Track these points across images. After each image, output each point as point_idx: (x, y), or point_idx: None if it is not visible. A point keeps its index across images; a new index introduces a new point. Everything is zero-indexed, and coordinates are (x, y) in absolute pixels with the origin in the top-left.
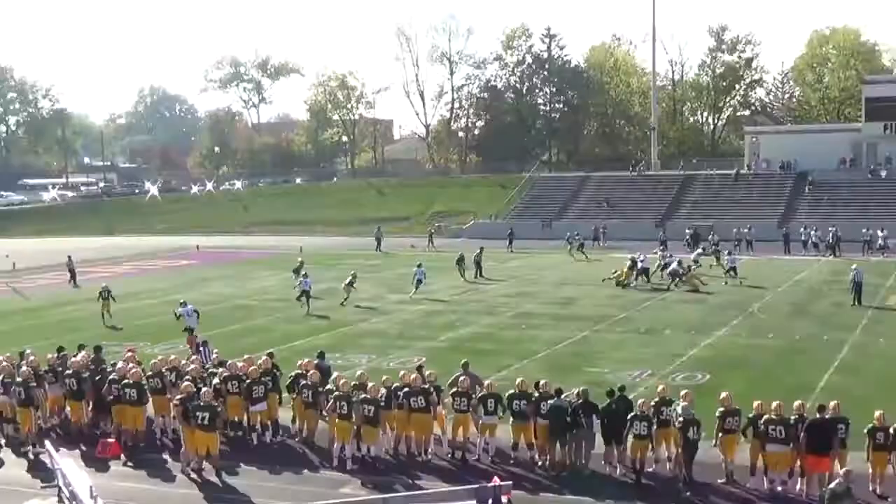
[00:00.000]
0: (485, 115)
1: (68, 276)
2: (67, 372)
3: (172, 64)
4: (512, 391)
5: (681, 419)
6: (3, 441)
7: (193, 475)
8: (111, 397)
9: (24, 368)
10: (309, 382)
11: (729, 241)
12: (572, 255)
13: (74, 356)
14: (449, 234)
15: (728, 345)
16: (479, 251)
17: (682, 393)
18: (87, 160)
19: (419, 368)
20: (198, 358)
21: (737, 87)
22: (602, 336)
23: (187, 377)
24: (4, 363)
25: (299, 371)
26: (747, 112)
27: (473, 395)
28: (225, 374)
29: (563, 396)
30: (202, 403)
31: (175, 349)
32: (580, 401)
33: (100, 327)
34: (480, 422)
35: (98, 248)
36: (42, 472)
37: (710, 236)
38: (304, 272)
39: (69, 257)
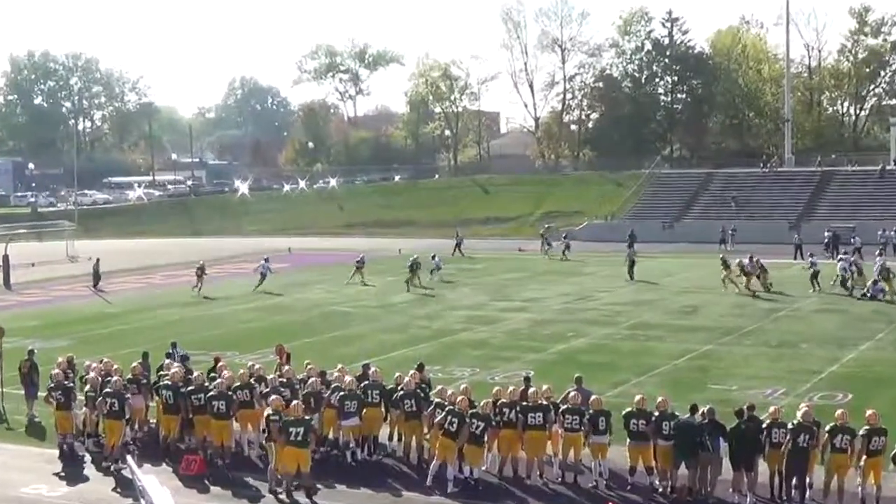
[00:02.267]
0: (599, 107)
1: (92, 281)
2: (165, 382)
3: (264, 54)
4: (629, 409)
5: (794, 422)
6: (88, 456)
7: (283, 496)
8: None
9: (115, 378)
10: (406, 391)
11: (873, 244)
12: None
13: (163, 369)
14: (562, 237)
15: (873, 360)
16: (629, 250)
17: (803, 405)
18: (174, 156)
19: (526, 380)
20: (290, 369)
21: (882, 73)
22: (729, 350)
23: (282, 390)
24: (92, 374)
25: (400, 385)
26: (894, 101)
27: (586, 413)
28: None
29: (691, 415)
30: (294, 418)
31: (264, 360)
32: (705, 420)
33: (180, 335)
34: (591, 442)
35: (181, 249)
36: (130, 489)
37: (852, 239)
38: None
39: (96, 260)
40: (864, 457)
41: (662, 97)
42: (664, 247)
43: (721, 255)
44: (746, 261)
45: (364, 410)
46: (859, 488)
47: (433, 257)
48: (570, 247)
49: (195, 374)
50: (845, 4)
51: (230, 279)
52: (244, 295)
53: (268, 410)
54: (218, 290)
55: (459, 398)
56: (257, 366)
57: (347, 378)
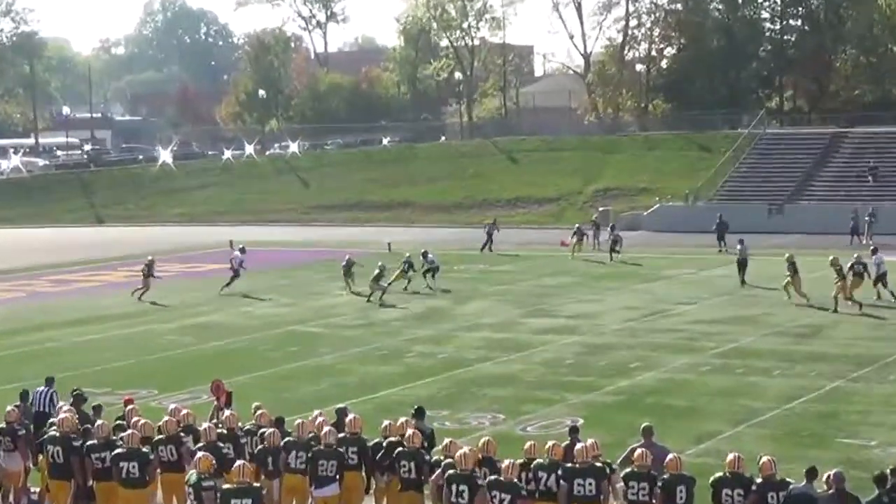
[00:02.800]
0: (677, 40)
1: None
2: (52, 434)
3: None
4: (720, 474)
5: None
6: None
7: None
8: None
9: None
10: (401, 449)
11: None
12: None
13: (50, 412)
14: (620, 225)
15: None
16: (741, 247)
17: None
18: (67, 111)
19: (573, 432)
20: (232, 415)
21: None
22: (865, 388)
23: (221, 445)
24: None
25: (390, 438)
26: None
27: (658, 479)
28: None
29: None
30: (237, 485)
31: (195, 402)
32: (831, 490)
33: (73, 366)
34: None
35: (76, 243)
36: None
37: None
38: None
39: None
40: None
41: (767, 25)
42: (771, 239)
43: (831, 257)
44: (870, 259)
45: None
46: None
47: (424, 255)
48: (621, 241)
49: (97, 422)
50: None
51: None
52: (170, 308)
53: (191, 474)
54: (128, 303)
55: (474, 458)
56: (185, 410)
57: (326, 429)
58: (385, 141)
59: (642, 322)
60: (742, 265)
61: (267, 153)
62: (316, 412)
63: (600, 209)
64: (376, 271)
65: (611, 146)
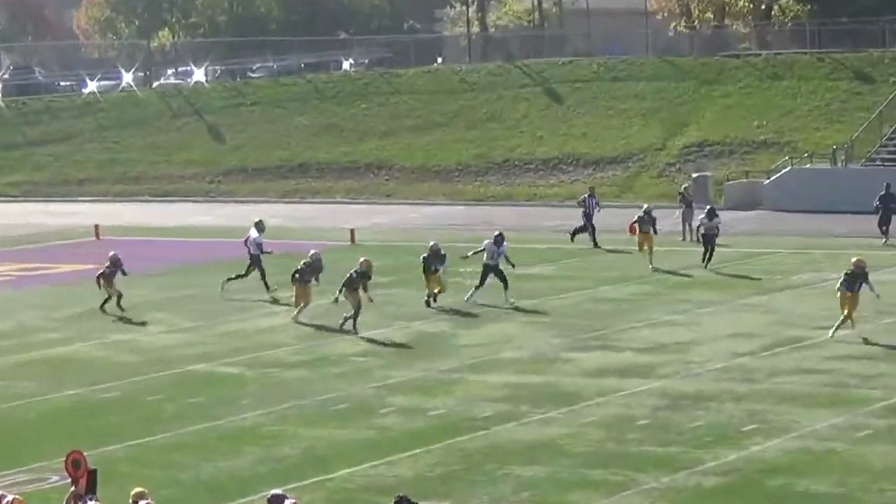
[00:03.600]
0: None
1: None
2: None
3: None
4: None
5: None
6: None
7: None
8: None
9: None
10: None
11: None
12: None
13: None
14: (730, 199)
15: None
16: None
17: None
18: None
19: None
20: None
21: None
22: None
23: None
24: None
25: None
26: None
27: None
28: None
29: None
30: None
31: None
32: None
33: None
34: None
35: None
36: None
37: None
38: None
39: None
40: None
41: None
42: None
43: None
44: None
45: None
46: None
47: (498, 239)
48: (717, 231)
49: None
50: None
51: None
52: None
53: None
54: None
55: None
56: (10, 496)
57: None
58: (346, 65)
59: (760, 358)
60: None
61: (155, 84)
62: None
63: (694, 175)
64: (351, 275)
65: (712, 74)
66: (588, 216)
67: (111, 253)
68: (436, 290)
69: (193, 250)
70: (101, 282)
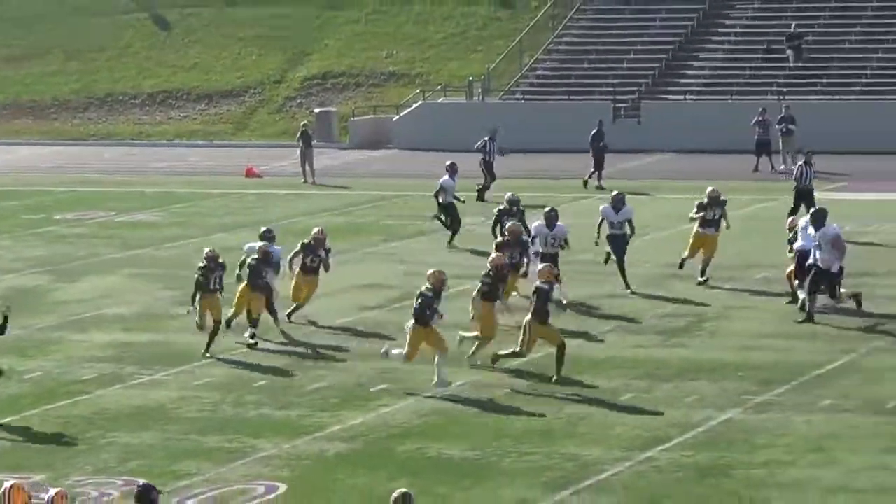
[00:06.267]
0: None
1: None
2: None
3: None
4: None
5: None
6: None
7: None
8: None
9: None
10: None
11: None
12: None
13: None
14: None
15: None
16: None
17: None
18: None
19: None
20: None
21: None
22: None
23: None
24: None
25: None
26: None
27: None
28: None
29: None
30: None
31: None
32: None
33: None
34: None
35: None
36: None
37: None
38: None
39: None
40: None
41: None
42: (616, 162)
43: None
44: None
45: None
46: None
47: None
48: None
49: None
50: None
51: None
52: None
53: None
54: None
55: None
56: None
57: None
58: None
59: (389, 311)
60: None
61: None
62: None
63: (316, 111)
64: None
65: None
66: (488, 164)
67: None
68: None
69: None
70: None
